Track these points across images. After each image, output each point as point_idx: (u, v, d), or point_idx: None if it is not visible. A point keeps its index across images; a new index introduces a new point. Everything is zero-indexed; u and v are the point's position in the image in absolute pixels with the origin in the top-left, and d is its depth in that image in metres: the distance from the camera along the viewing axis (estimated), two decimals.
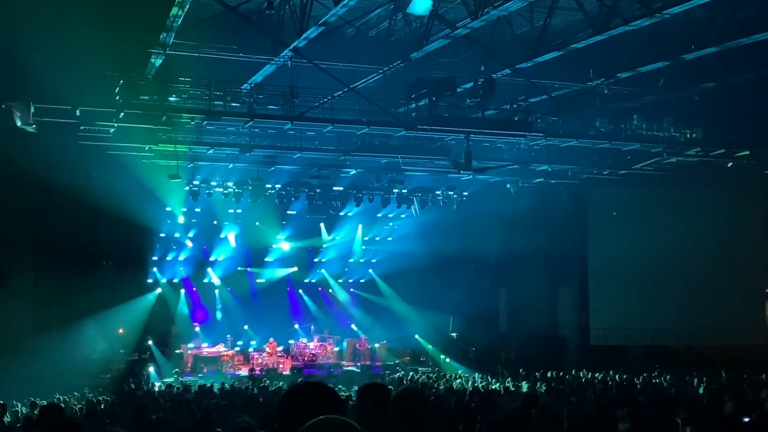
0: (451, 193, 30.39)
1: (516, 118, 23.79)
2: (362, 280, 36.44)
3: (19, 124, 20.09)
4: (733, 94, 23.74)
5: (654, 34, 19.77)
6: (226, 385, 22.79)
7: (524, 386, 22.84)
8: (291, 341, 32.31)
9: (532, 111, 24.01)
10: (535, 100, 23.74)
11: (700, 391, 19.13)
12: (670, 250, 30.04)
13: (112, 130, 22.12)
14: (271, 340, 31.11)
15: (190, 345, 31.08)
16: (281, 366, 30.13)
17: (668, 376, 24.61)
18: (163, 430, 9.30)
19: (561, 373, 26.77)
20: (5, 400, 16.70)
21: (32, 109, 20.22)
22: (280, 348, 31.31)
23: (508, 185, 30.24)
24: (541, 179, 29.66)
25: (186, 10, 16.60)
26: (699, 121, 25.73)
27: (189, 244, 32.41)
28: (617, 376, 25.40)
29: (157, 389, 24.23)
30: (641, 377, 24.37)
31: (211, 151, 24.84)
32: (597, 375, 25.76)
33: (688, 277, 30.47)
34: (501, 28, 20.18)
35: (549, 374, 26.58)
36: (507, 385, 23.24)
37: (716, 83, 23.08)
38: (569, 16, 20.06)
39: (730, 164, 26.94)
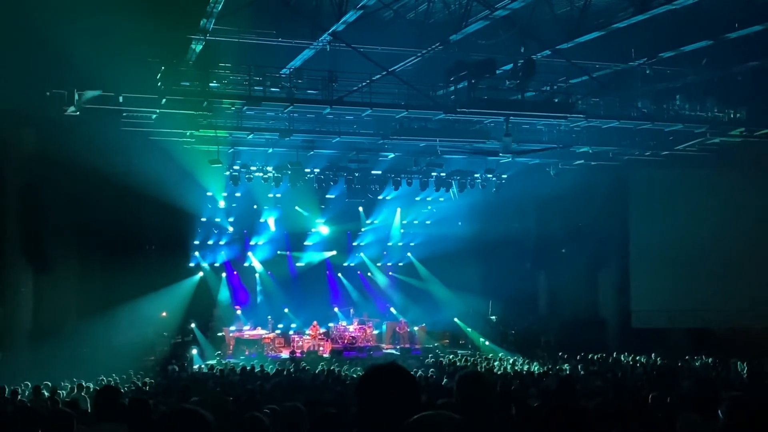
0: (490, 176, 30.17)
1: (556, 100, 23.57)
2: (401, 264, 36.52)
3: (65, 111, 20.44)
4: None
5: (696, 12, 19.41)
6: (268, 368, 23.00)
7: (567, 368, 22.79)
8: (331, 324, 32.51)
9: (573, 92, 23.77)
10: (576, 81, 23.50)
11: (744, 374, 18.95)
12: (713, 232, 29.59)
13: (153, 116, 22.38)
14: (315, 323, 31.32)
15: (232, 328, 31.42)
16: (321, 349, 30.34)
17: (710, 360, 24.39)
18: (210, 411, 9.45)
19: (603, 356, 26.64)
20: (53, 381, 17.08)
21: (76, 96, 20.52)
22: (322, 331, 31.54)
23: (548, 168, 30.04)
24: (582, 161, 29.39)
25: None
26: (743, 100, 25.34)
27: (230, 228, 32.76)
28: (659, 360, 25.22)
29: (200, 371, 24.59)
30: (684, 360, 24.16)
31: (251, 136, 25.07)
32: (639, 358, 25.59)
33: (731, 258, 29.98)
34: (541, 8, 19.95)
35: (589, 357, 26.45)
36: (547, 368, 23.20)
37: (760, 62, 22.66)
38: None
39: None
